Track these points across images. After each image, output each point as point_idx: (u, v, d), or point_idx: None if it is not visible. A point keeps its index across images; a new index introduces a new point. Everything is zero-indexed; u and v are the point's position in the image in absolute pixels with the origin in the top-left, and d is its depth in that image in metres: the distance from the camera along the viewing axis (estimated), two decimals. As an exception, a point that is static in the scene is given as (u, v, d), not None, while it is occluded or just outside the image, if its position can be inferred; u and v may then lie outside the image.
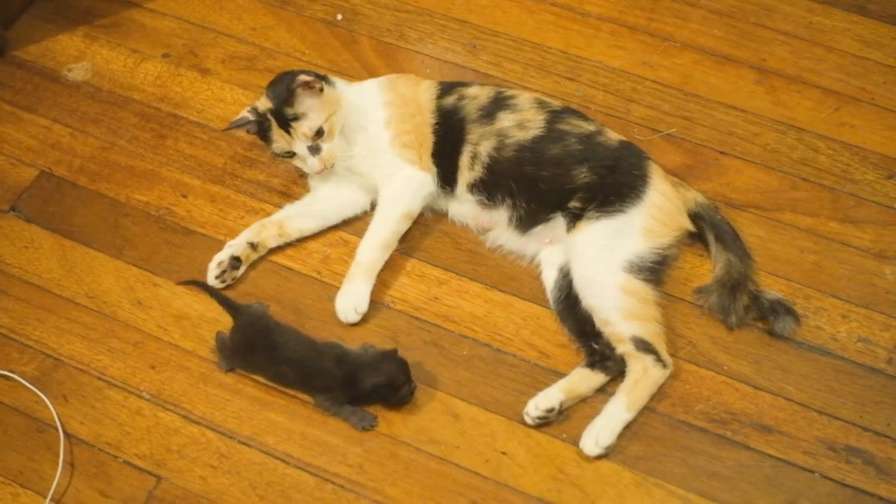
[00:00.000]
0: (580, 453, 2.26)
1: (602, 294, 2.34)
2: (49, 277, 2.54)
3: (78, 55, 2.96)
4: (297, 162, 2.49)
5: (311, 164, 2.46)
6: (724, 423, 2.31)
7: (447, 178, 2.52)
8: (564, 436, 2.29)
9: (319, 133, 2.42)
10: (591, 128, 2.50)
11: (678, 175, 2.58)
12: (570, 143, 2.47)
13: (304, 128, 2.42)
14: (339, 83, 2.54)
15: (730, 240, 2.46)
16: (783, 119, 2.77)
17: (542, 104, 2.52)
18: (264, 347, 2.33)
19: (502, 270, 2.52)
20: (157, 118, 2.82)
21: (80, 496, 2.24)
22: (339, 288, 2.46)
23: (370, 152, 2.51)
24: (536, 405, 2.30)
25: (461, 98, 2.54)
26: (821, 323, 2.44)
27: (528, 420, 2.31)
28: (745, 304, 2.40)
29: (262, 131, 2.48)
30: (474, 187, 2.50)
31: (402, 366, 2.29)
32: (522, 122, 2.49)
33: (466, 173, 2.49)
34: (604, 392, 2.34)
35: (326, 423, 2.31)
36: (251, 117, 2.47)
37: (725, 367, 2.38)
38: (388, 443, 2.29)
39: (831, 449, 2.28)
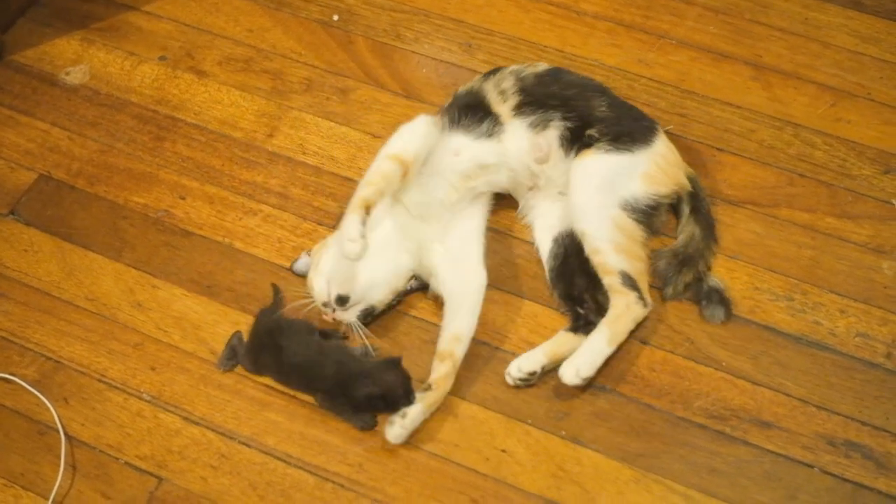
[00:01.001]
0: (578, 451, 2.27)
1: (597, 222, 2.39)
2: (49, 280, 2.55)
3: (75, 58, 2.97)
4: None
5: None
6: (723, 420, 2.31)
7: (489, 119, 2.49)
8: (563, 433, 2.29)
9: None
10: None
11: (675, 172, 2.59)
12: (582, 77, 2.58)
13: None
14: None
15: (703, 215, 2.51)
16: (779, 115, 2.78)
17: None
18: (271, 349, 2.34)
19: (500, 269, 2.52)
20: (154, 120, 2.83)
21: (82, 498, 2.25)
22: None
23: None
24: (519, 367, 2.34)
25: (455, 92, 2.59)
26: (819, 318, 2.44)
27: (510, 381, 2.34)
28: (686, 281, 2.45)
29: None
30: (519, 109, 2.49)
31: (403, 378, 2.28)
32: (529, 65, 2.57)
33: (503, 105, 2.49)
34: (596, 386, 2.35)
35: (326, 422, 2.31)
36: None
37: (724, 364, 2.38)
38: (388, 442, 2.29)
39: (830, 444, 2.28)
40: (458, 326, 2.36)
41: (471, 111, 2.50)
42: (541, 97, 2.50)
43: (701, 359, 2.39)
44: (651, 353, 2.40)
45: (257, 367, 2.38)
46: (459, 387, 2.35)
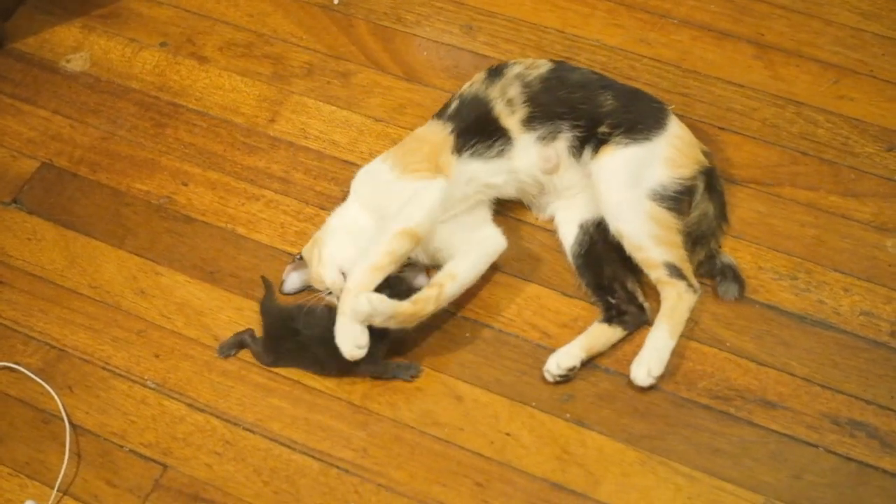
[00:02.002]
0: (583, 433, 2.27)
1: (634, 219, 2.37)
2: (52, 268, 2.55)
3: (76, 46, 2.96)
4: None
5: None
6: (727, 400, 2.31)
7: (500, 139, 2.45)
8: (568, 416, 2.29)
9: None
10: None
11: (678, 152, 2.58)
12: (584, 73, 2.55)
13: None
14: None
15: (717, 193, 2.50)
16: (782, 93, 2.77)
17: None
18: (289, 335, 2.34)
19: (504, 252, 2.51)
20: (155, 107, 2.83)
21: (87, 486, 2.26)
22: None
23: (385, 201, 2.40)
24: (558, 364, 2.32)
25: (460, 94, 2.53)
26: (823, 297, 2.43)
27: (549, 377, 2.33)
28: (699, 258, 2.44)
29: None
30: (527, 123, 2.46)
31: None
32: (530, 65, 2.53)
33: (512, 118, 2.46)
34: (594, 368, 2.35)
35: (330, 408, 2.32)
36: None
37: (728, 344, 2.38)
38: (392, 426, 2.30)
39: (835, 423, 2.27)
40: (456, 266, 2.35)
41: (480, 129, 2.45)
42: (548, 106, 2.46)
43: (705, 339, 2.38)
44: (655, 335, 2.40)
45: (278, 357, 2.37)
46: (463, 370, 2.36)
